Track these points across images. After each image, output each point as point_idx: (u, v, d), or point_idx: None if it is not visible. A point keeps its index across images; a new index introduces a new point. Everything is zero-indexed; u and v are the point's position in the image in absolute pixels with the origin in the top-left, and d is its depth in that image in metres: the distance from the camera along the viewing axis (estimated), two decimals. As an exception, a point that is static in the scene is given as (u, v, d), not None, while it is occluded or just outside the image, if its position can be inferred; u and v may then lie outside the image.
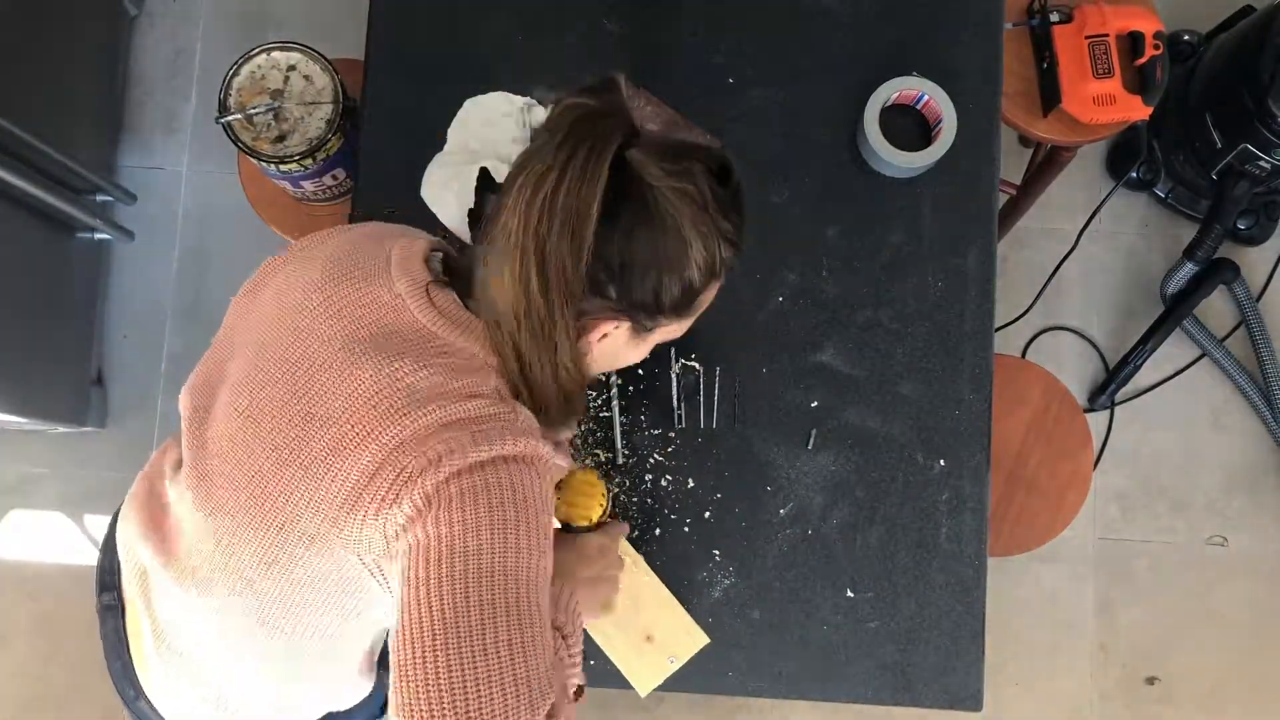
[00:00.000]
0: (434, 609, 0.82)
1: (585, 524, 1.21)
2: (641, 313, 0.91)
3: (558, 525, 1.23)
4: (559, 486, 1.22)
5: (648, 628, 1.33)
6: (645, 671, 1.33)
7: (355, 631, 1.02)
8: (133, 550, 1.08)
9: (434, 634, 0.82)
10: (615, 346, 0.97)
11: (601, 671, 1.34)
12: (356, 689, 1.17)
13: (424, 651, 0.81)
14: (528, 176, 0.83)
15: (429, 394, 0.88)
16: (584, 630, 1.12)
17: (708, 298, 0.96)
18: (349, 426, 0.88)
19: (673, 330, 0.97)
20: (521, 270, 0.85)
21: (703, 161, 0.88)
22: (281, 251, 1.07)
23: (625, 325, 0.92)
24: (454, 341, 0.93)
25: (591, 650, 1.34)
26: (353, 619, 0.98)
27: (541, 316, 0.87)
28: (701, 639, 1.34)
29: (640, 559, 1.34)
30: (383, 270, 0.97)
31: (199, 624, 1.03)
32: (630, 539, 1.34)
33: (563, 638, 1.02)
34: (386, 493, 0.85)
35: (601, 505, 1.22)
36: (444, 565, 0.83)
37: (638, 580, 1.33)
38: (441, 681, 0.81)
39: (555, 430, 1.00)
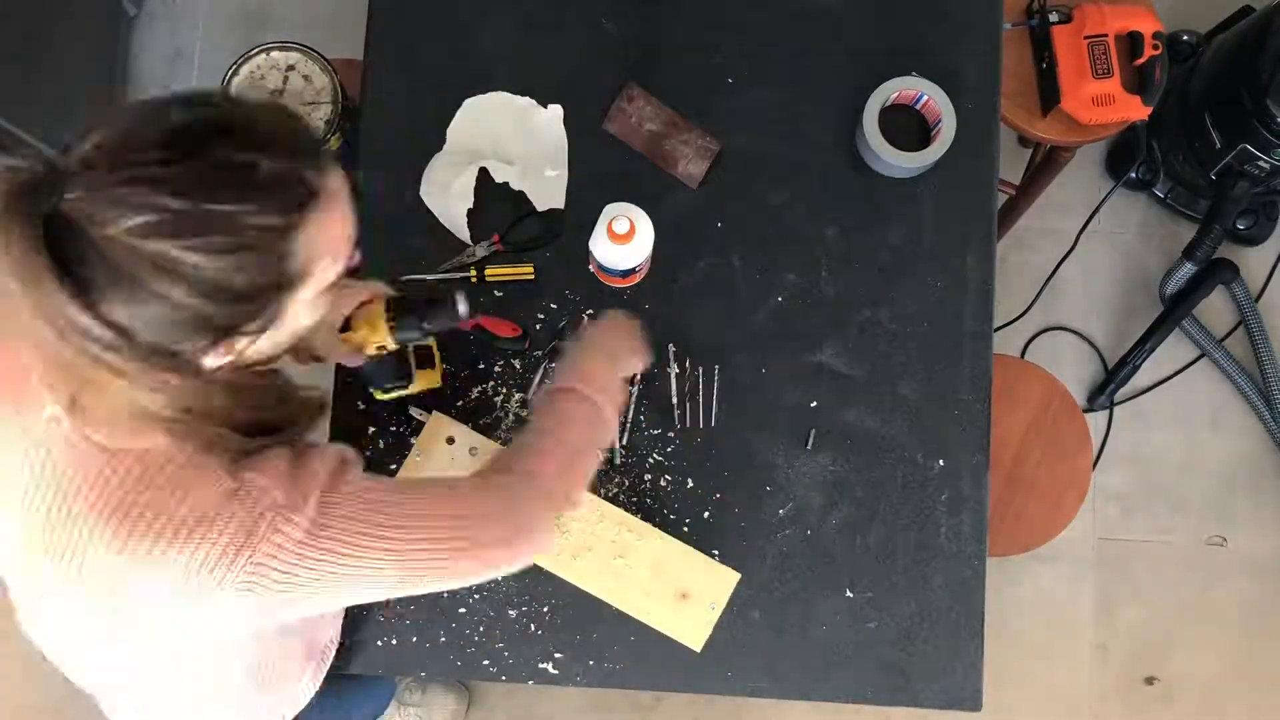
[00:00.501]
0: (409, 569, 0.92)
1: (379, 349, 1.15)
2: (235, 330, 0.80)
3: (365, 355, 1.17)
4: (347, 325, 1.14)
5: (679, 586, 1.34)
6: (691, 627, 1.34)
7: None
8: None
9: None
10: (266, 343, 0.85)
11: (603, 672, 1.34)
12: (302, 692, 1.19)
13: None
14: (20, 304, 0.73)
15: (205, 518, 0.83)
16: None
17: (312, 246, 0.80)
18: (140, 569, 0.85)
19: (312, 287, 0.83)
20: (106, 391, 0.79)
21: (151, 156, 0.73)
22: None
23: (235, 342, 0.81)
24: (139, 446, 0.85)
25: (601, 644, 1.34)
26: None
27: (146, 399, 0.81)
28: (733, 577, 1.35)
29: (648, 526, 1.35)
30: (23, 392, 0.86)
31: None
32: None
33: (594, 406, 1.12)
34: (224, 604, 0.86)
35: (384, 326, 1.12)
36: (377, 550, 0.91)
37: (653, 545, 1.34)
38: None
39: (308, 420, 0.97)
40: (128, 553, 0.84)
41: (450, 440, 1.36)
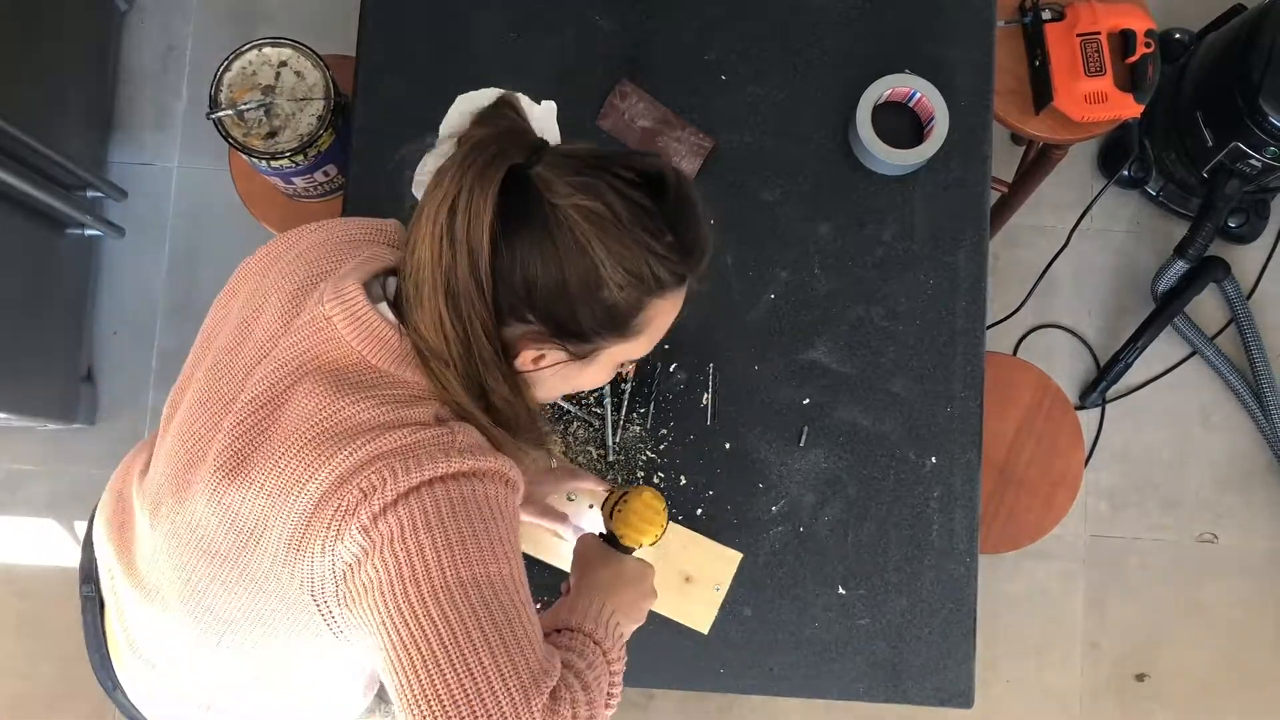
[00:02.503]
0: (406, 640, 0.80)
1: (633, 546, 1.17)
2: (568, 337, 0.89)
3: (602, 532, 1.19)
4: (621, 500, 1.18)
5: (682, 570, 1.34)
6: (698, 609, 1.34)
7: (333, 658, 0.98)
8: (101, 550, 1.07)
9: (414, 663, 0.80)
10: (560, 371, 0.93)
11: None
12: (356, 708, 1.15)
13: (412, 680, 0.80)
14: (430, 207, 0.85)
15: (362, 427, 0.86)
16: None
17: (655, 316, 0.91)
18: (289, 464, 0.87)
19: (626, 350, 0.93)
20: (433, 304, 0.86)
21: (620, 174, 0.86)
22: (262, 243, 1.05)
23: (556, 349, 0.90)
24: (391, 371, 0.91)
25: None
26: (325, 651, 0.95)
27: (462, 349, 0.87)
28: (735, 557, 1.35)
29: None
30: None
31: (163, 635, 1.01)
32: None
33: (603, 654, 0.97)
34: (327, 529, 0.83)
35: (657, 534, 1.18)
36: (401, 597, 0.81)
37: None
38: (434, 705, 0.79)
39: (524, 451, 0.97)
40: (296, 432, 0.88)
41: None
